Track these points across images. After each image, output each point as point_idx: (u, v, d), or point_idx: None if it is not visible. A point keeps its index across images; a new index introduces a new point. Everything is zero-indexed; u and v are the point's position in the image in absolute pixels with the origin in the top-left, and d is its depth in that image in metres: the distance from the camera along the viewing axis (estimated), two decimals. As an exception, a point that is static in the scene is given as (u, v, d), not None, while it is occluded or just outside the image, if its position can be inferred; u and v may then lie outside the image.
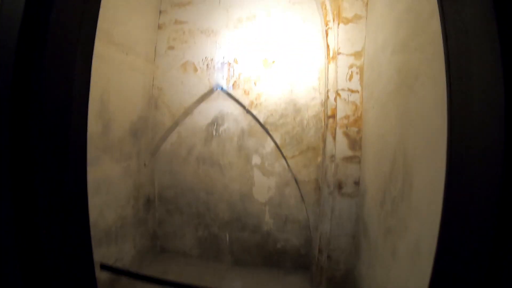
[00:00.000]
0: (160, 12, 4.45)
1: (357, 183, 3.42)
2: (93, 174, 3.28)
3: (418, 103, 2.02)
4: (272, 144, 4.15)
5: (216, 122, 4.37)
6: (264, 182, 4.22)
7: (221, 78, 4.28)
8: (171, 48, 4.41)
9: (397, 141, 2.33)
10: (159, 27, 4.45)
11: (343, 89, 3.49)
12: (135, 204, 4.11)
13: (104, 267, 1.15)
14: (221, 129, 4.35)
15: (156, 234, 4.54)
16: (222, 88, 4.29)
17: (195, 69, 4.34)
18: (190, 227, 4.47)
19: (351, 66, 3.51)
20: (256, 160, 4.24)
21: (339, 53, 3.52)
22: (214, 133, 4.38)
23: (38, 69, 0.98)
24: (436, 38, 1.85)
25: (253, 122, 4.22)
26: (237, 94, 4.22)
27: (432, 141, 1.76)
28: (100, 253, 3.38)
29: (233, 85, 4.23)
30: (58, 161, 1.08)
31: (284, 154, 4.04)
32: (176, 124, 4.44)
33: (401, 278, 2.13)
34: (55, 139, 1.06)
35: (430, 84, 1.87)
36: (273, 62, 4.13)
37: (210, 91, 4.33)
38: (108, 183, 3.57)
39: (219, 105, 4.35)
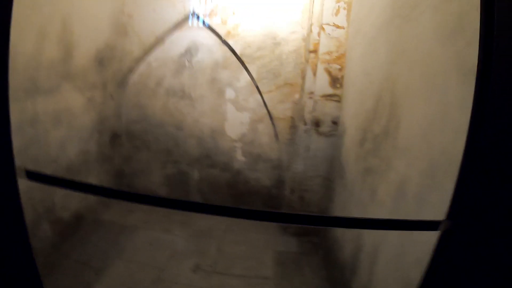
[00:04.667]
0: None
1: (335, 123, 3.34)
2: (53, 105, 3.01)
3: (414, 32, 1.87)
4: (247, 77, 3.94)
5: (189, 52, 4.06)
6: (237, 117, 4.06)
7: (196, 5, 3.92)
8: (142, -30, 3.95)
9: (385, 78, 2.21)
10: None
11: (328, 24, 3.29)
12: (100, 139, 3.87)
13: (31, 174, 0.97)
14: (194, 60, 4.07)
15: (123, 172, 4.34)
16: (197, 16, 3.94)
17: (169, -6, 3.93)
18: (158, 164, 4.31)
19: (339, 1, 3.28)
20: (229, 94, 4.04)
21: (326, -14, 3.28)
22: (186, 63, 4.09)
23: None
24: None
25: (228, 53, 3.96)
26: (213, 23, 3.90)
27: (429, 72, 1.64)
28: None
29: (209, 13, 3.90)
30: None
31: (260, 88, 3.86)
32: (146, 53, 4.09)
33: (379, 219, 2.08)
34: None
35: (430, 12, 1.73)
36: (255, -9, 3.80)
37: (185, 19, 3.97)
38: (70, 114, 3.30)
39: (194, 34, 4.01)
